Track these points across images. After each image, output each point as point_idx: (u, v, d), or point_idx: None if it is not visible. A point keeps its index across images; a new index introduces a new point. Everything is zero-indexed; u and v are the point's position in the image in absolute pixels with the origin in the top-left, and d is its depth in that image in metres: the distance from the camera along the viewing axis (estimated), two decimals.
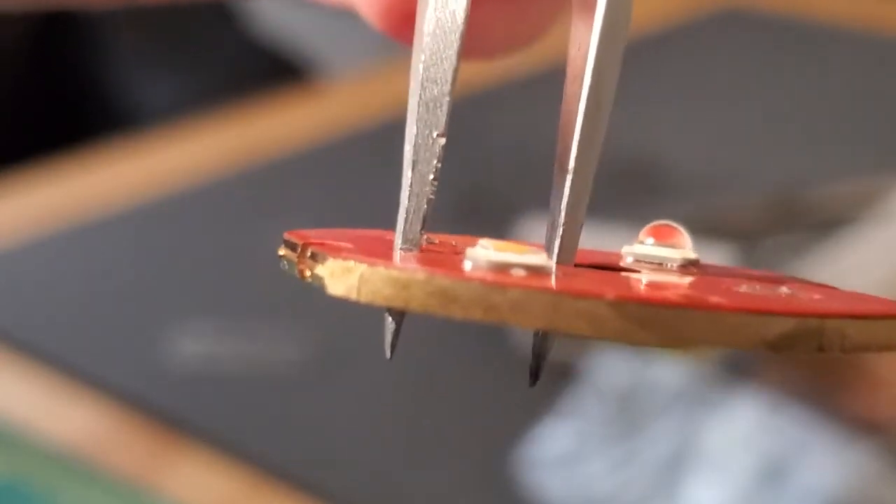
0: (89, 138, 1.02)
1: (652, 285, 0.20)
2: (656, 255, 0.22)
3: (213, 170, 0.92)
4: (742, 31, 1.26)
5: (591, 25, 0.22)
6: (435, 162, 0.22)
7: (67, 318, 0.74)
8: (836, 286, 0.21)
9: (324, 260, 0.20)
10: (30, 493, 0.61)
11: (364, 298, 0.19)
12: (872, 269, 0.71)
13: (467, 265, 0.19)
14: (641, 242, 0.23)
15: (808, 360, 0.67)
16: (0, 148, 1.09)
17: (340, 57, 1.32)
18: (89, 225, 0.85)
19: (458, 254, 0.21)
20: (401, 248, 0.22)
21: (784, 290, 0.20)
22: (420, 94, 0.22)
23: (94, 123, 1.26)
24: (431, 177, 0.22)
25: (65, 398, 0.67)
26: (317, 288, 0.20)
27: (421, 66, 0.22)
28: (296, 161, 0.95)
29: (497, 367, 0.68)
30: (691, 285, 0.20)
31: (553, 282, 0.18)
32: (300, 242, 0.21)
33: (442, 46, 0.22)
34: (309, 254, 0.21)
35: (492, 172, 0.83)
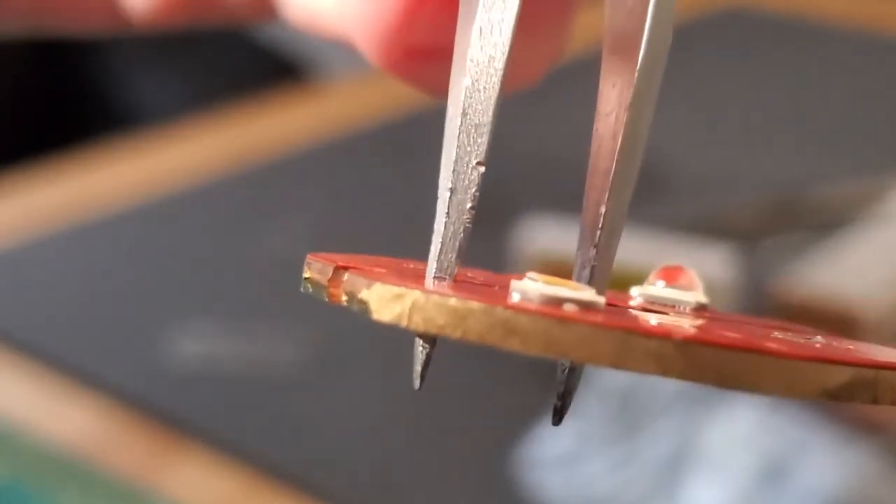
0: (89, 138, 1.02)
1: (703, 328, 0.20)
2: (669, 297, 0.22)
3: (213, 170, 0.92)
4: (742, 30, 1.26)
5: (627, 65, 0.21)
6: (474, 190, 0.21)
7: (67, 318, 0.74)
8: (859, 341, 0.21)
9: (369, 285, 0.19)
10: (30, 493, 0.61)
11: (415, 326, 0.19)
12: (872, 269, 0.71)
13: (515, 297, 0.19)
14: (652, 284, 0.23)
15: None
16: (0, 148, 1.09)
17: (340, 57, 1.32)
18: (89, 225, 0.85)
19: (493, 286, 0.21)
20: (434, 277, 0.21)
21: (819, 339, 0.20)
22: (461, 121, 0.21)
23: (94, 123, 1.26)
24: (469, 205, 0.21)
25: (65, 398, 0.67)
26: (355, 313, 0.20)
27: (463, 92, 0.21)
28: (296, 161, 0.95)
29: (497, 368, 0.68)
30: (737, 331, 0.20)
31: (614, 320, 0.18)
32: (332, 265, 0.21)
33: (486, 72, 0.22)
34: (345, 278, 0.20)
35: (494, 173, 0.83)
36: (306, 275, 0.21)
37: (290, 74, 1.32)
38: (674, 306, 0.22)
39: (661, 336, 0.17)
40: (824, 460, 0.58)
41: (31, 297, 0.77)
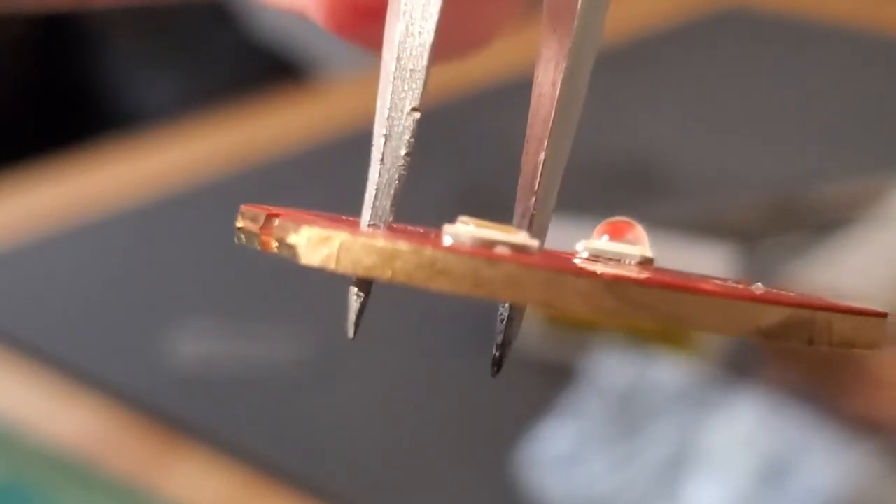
0: (89, 138, 1.02)
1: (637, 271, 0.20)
2: (614, 250, 0.22)
3: (213, 170, 0.92)
4: (742, 30, 1.26)
5: (568, 12, 0.21)
6: (408, 136, 0.21)
7: (67, 318, 0.74)
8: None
9: (296, 229, 0.19)
10: (30, 493, 0.61)
11: (343, 269, 0.18)
12: (872, 269, 0.71)
13: (447, 240, 0.19)
14: (597, 238, 0.23)
15: (808, 359, 0.67)
16: (0, 148, 1.09)
17: (340, 57, 1.32)
18: (89, 225, 0.85)
19: (428, 234, 0.21)
20: (368, 225, 0.21)
21: (759, 285, 0.20)
22: (395, 66, 0.21)
23: (94, 123, 1.26)
24: (404, 151, 0.21)
25: (65, 398, 0.67)
26: (285, 258, 0.19)
27: (397, 36, 0.21)
28: (295, 161, 0.95)
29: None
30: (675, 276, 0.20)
31: (545, 261, 0.18)
32: (263, 213, 0.20)
33: (421, 17, 0.21)
34: (276, 223, 0.20)
35: (490, 171, 0.83)
36: (239, 224, 0.21)
37: (290, 74, 1.32)
38: (619, 260, 0.22)
39: (590, 275, 0.17)
40: (824, 460, 0.58)
41: (31, 297, 0.77)
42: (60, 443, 0.64)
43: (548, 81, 0.22)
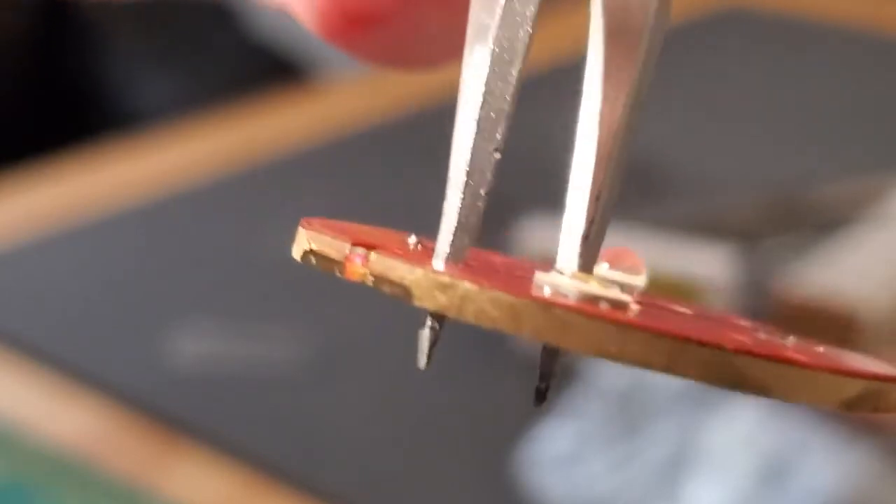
0: (89, 138, 1.02)
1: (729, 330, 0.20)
2: (623, 281, 0.22)
3: (213, 170, 0.92)
4: (742, 31, 1.26)
5: (629, 52, 0.21)
6: (489, 176, 0.21)
7: (67, 318, 0.74)
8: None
9: (411, 270, 0.19)
10: (30, 493, 0.61)
11: (465, 318, 0.18)
12: (872, 269, 0.71)
13: (546, 290, 0.19)
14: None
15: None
16: (0, 148, 1.09)
17: (340, 57, 1.32)
18: (89, 225, 0.85)
19: (509, 273, 0.21)
20: (446, 261, 0.21)
21: (791, 339, 0.21)
22: (482, 107, 0.21)
23: (94, 123, 1.26)
24: (484, 190, 0.21)
25: (65, 398, 0.67)
26: (389, 295, 0.19)
27: (485, 76, 0.21)
28: (295, 161, 0.95)
29: (498, 368, 0.68)
30: (747, 334, 0.20)
31: (658, 323, 0.18)
32: (346, 241, 0.20)
33: (507, 58, 0.21)
34: (373, 257, 0.20)
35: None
36: (311, 247, 0.21)
37: (290, 74, 1.32)
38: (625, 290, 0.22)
39: (716, 346, 0.18)
40: (824, 460, 0.58)
41: (31, 297, 0.77)
42: (60, 443, 0.64)
43: (610, 117, 0.22)
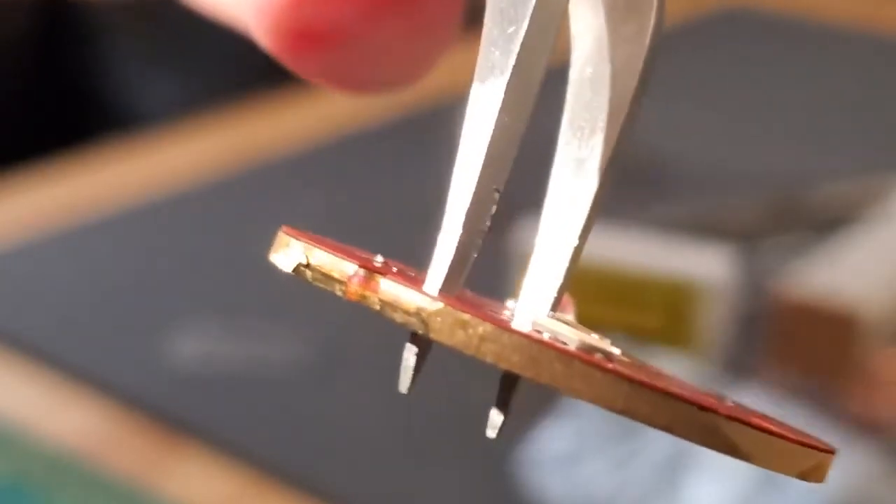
0: (89, 138, 1.02)
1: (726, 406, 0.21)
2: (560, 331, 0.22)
3: (213, 170, 0.92)
4: (742, 31, 1.26)
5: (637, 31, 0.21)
6: (491, 213, 0.21)
7: (67, 318, 0.74)
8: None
9: (432, 304, 0.19)
10: (30, 493, 0.61)
11: (482, 357, 0.19)
12: (872, 269, 0.71)
13: (545, 336, 0.19)
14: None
15: (808, 359, 0.67)
16: (1, 148, 1.09)
17: None
18: (89, 225, 0.85)
19: (482, 308, 0.21)
20: (439, 294, 0.21)
21: (729, 399, 0.21)
22: (488, 148, 0.21)
23: (94, 123, 1.26)
24: (484, 226, 0.21)
25: (65, 398, 0.67)
26: (404, 325, 0.19)
27: (496, 114, 0.20)
28: (295, 161, 0.95)
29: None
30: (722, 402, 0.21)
31: (665, 385, 0.19)
32: (352, 261, 0.20)
33: (522, 97, 0.21)
34: (382, 285, 0.20)
35: None
36: (308, 260, 0.21)
37: (289, 75, 1.31)
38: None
39: (712, 411, 0.19)
40: None
41: (31, 297, 0.77)
42: (60, 443, 0.64)
43: (586, 170, 0.21)
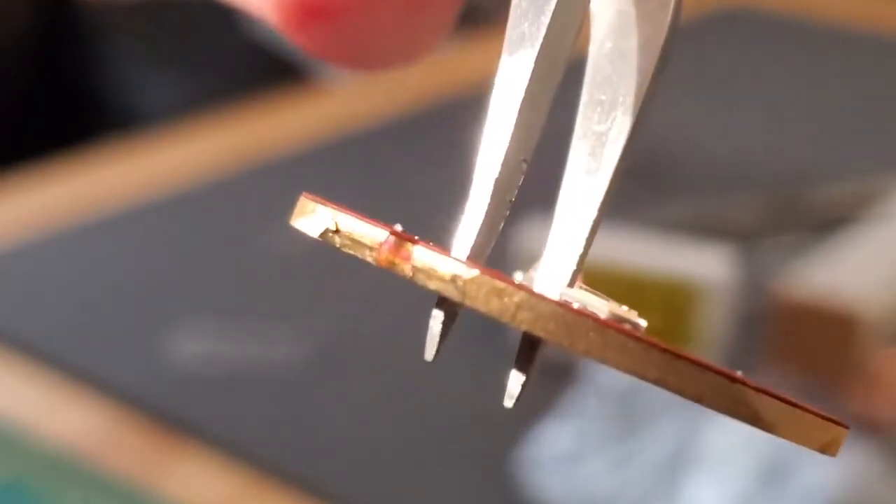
0: (89, 138, 1.02)
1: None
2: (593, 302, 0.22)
3: (213, 170, 0.92)
4: (743, 30, 1.26)
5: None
6: (517, 184, 0.21)
7: (67, 318, 0.74)
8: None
9: (469, 272, 0.19)
10: (30, 493, 0.61)
11: (519, 325, 0.19)
12: (872, 269, 0.71)
13: (574, 306, 0.19)
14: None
15: (808, 358, 0.67)
16: (1, 148, 1.09)
17: None
18: (89, 225, 0.85)
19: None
20: (467, 261, 0.20)
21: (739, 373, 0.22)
22: (517, 117, 0.21)
23: (94, 123, 1.26)
24: (511, 198, 0.21)
25: (65, 398, 0.67)
26: (433, 290, 0.19)
27: (526, 84, 0.21)
28: (296, 161, 0.95)
29: (497, 367, 0.68)
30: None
31: (695, 356, 0.19)
32: (382, 228, 0.20)
33: (551, 69, 0.21)
34: (415, 252, 0.20)
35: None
36: (336, 226, 0.20)
37: (290, 74, 1.32)
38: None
39: (741, 382, 0.19)
40: (824, 460, 0.58)
41: (31, 297, 0.77)
42: (60, 443, 0.64)
43: (609, 148, 0.21)
